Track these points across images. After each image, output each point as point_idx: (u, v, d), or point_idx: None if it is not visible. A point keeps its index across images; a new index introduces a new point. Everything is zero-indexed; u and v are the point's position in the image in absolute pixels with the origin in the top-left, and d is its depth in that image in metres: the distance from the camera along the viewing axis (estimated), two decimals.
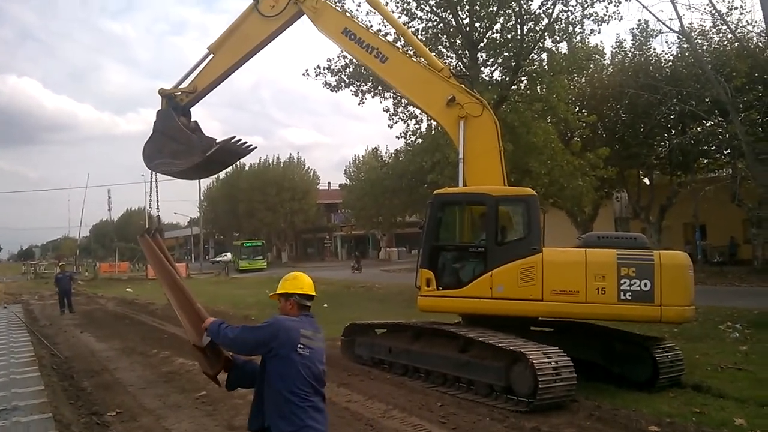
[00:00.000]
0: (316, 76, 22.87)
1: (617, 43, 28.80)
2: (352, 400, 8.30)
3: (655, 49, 27.47)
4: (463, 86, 10.76)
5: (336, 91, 23.12)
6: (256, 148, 10.81)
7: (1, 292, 33.26)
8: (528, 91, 22.16)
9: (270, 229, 67.24)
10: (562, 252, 9.20)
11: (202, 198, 68.54)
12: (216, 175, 67.70)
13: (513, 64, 20.98)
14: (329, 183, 77.39)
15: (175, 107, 10.54)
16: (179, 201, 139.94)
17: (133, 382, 10.05)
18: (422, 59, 10.83)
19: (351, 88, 22.83)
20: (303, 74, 23.82)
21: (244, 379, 4.13)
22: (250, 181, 64.44)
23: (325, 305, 20.90)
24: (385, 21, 13.62)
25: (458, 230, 10.39)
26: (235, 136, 10.25)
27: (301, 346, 3.63)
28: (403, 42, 14.92)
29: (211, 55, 10.82)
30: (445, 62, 22.52)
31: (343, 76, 22.48)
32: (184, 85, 10.80)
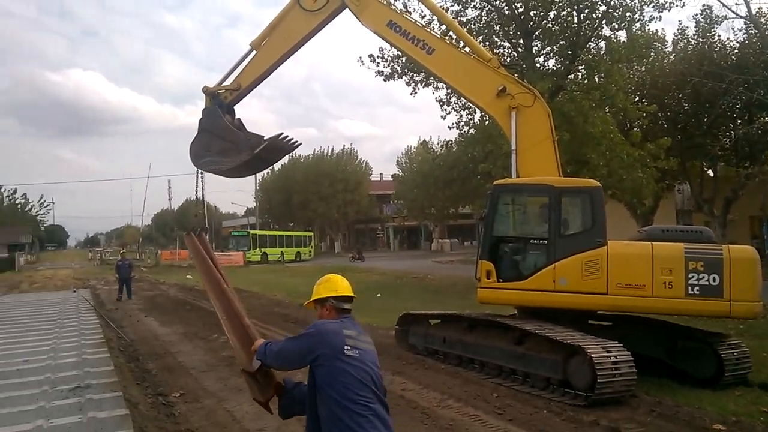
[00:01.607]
0: (371, 62, 22.87)
1: (679, 30, 27.67)
2: (407, 389, 8.38)
3: (719, 35, 26.24)
4: (513, 76, 10.59)
5: (388, 81, 23.10)
6: (301, 144, 10.87)
7: (70, 277, 34.84)
8: (585, 81, 21.60)
9: (323, 220, 68.12)
10: (628, 245, 9.00)
11: (258, 188, 69.96)
12: (271, 167, 69.13)
13: (569, 52, 20.50)
14: (381, 174, 77.77)
15: (220, 105, 10.65)
16: (236, 191, 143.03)
17: (195, 365, 10.40)
18: (470, 50, 10.69)
19: (404, 78, 22.78)
20: (357, 61, 23.81)
21: (295, 405, 3.86)
22: (304, 173, 65.45)
23: (378, 295, 21.09)
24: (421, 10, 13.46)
25: (519, 221, 10.29)
26: (282, 133, 10.35)
27: (348, 348, 3.35)
28: (451, 34, 14.76)
29: (254, 52, 10.89)
30: (498, 51, 22.32)
31: (396, 66, 22.44)
32: (228, 82, 10.92)
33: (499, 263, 9.34)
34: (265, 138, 10.20)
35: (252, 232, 56.22)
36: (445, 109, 23.09)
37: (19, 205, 78.40)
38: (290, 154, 67.13)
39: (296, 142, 10.69)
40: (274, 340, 3.87)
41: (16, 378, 7.25)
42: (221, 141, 10.32)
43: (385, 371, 9.24)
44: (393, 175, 58.83)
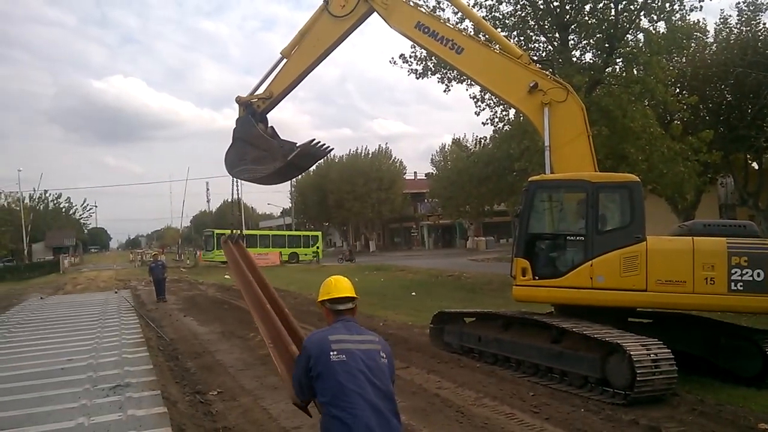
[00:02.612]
0: (404, 62, 22.86)
1: (721, 19, 26.84)
2: (442, 387, 8.34)
3: (764, 23, 25.39)
4: (544, 71, 10.43)
5: (421, 78, 23.04)
6: (333, 149, 10.91)
7: (112, 278, 35.73)
8: (623, 74, 21.14)
9: (358, 219, 68.37)
10: (668, 240, 8.78)
11: (293, 189, 70.63)
12: None
13: (606, 45, 20.11)
14: (415, 173, 77.69)
15: (253, 114, 10.79)
16: (273, 192, 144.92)
17: (232, 363, 10.55)
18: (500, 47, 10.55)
19: (437, 75, 22.69)
20: (390, 61, 23.84)
21: None
22: (339, 172, 65.82)
23: (413, 293, 21.07)
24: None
25: (555, 218, 10.14)
26: (314, 139, 10.43)
27: (334, 353, 3.34)
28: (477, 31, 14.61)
29: (285, 60, 10.97)
30: (533, 46, 22.04)
31: (429, 63, 22.36)
32: (260, 91, 11.03)
33: (534, 260, 9.20)
34: (297, 145, 10.31)
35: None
36: (479, 106, 22.94)
37: (63, 209, 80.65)
38: (328, 154, 67.95)
39: (328, 147, 10.77)
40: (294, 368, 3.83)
41: (60, 377, 7.46)
42: (255, 149, 10.47)
43: (419, 369, 9.30)
44: (427, 174, 58.58)
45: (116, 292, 22.34)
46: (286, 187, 71.01)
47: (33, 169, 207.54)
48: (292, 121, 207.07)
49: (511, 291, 9.51)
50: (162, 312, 18.67)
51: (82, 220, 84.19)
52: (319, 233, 62.06)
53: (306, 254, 55.98)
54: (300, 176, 70.19)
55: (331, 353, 3.34)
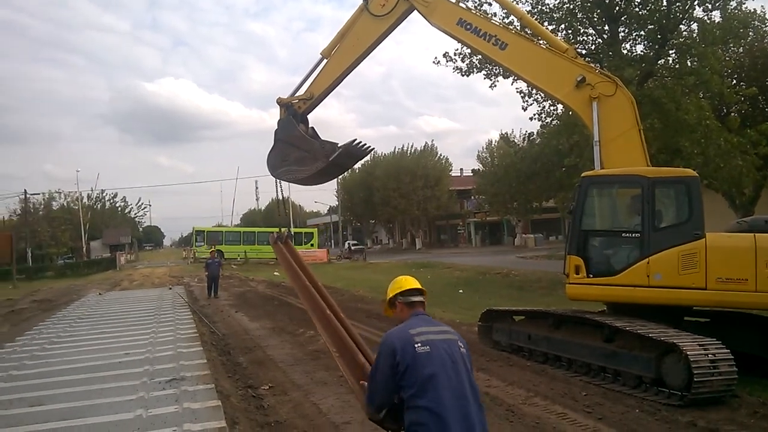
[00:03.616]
0: (448, 61, 22.75)
1: None
2: (491, 386, 8.27)
3: None
4: (592, 65, 10.19)
5: (467, 76, 22.87)
6: (374, 149, 10.93)
7: (166, 275, 36.73)
8: (676, 65, 20.49)
9: (404, 216, 68.35)
10: (729, 237, 8.48)
11: (339, 187, 71.11)
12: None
13: (658, 37, 19.52)
14: (461, 169, 77.24)
15: (294, 115, 10.85)
16: (320, 191, 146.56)
17: (282, 359, 10.71)
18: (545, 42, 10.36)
19: (483, 71, 22.47)
20: (433, 62, 23.78)
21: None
22: (385, 170, 65.90)
23: (461, 291, 20.96)
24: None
25: (609, 214, 9.91)
26: (356, 139, 10.45)
27: (418, 344, 3.32)
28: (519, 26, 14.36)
29: (325, 60, 10.98)
30: (582, 39, 21.56)
31: (474, 60, 22.16)
32: (301, 92, 11.09)
33: (588, 258, 9.03)
34: (339, 145, 10.36)
35: (197, 227, 56.96)
36: (527, 101, 22.68)
37: (119, 208, 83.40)
38: (371, 153, 68.01)
39: (369, 147, 10.80)
40: (369, 379, 3.71)
41: (119, 370, 7.69)
42: (297, 150, 10.56)
43: None
44: (473, 170, 58.09)
45: (170, 289, 22.86)
46: (332, 185, 71.55)
47: (90, 169, 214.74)
48: (338, 119, 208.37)
49: (565, 289, 9.34)
50: (214, 308, 19.11)
51: (137, 219, 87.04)
52: (314, 230, 61.92)
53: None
54: (346, 174, 70.76)
55: (416, 345, 3.32)
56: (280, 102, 11.05)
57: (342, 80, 11.19)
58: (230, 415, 6.34)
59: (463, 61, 22.18)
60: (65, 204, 70.29)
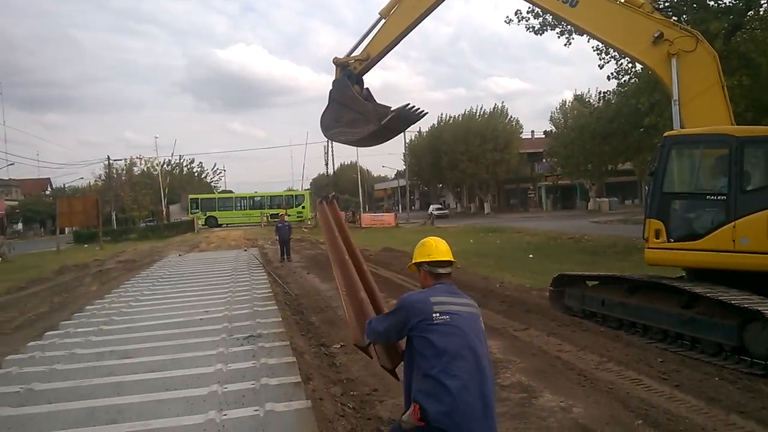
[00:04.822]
0: (520, 20, 22.02)
1: None
2: (563, 350, 8.18)
3: None
4: (671, 20, 9.58)
5: (540, 34, 22.09)
6: (427, 113, 10.69)
7: (241, 237, 37.96)
8: None
9: (472, 180, 67.61)
10: None
11: (406, 151, 70.93)
12: (419, 128, 69.46)
13: None
14: (533, 131, 75.31)
15: (350, 75, 10.71)
16: (387, 155, 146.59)
17: None
18: None
19: (556, 29, 21.62)
20: (505, 21, 23.00)
21: None
22: (453, 133, 65.12)
23: (531, 256, 20.65)
24: None
25: (693, 176, 9.46)
26: (409, 104, 10.23)
27: (436, 314, 3.28)
28: None
29: (383, 20, 10.76)
30: None
31: (547, 17, 21.33)
32: (357, 52, 10.93)
33: (669, 222, 8.67)
34: (392, 109, 10.24)
35: (192, 196, 59.24)
36: (603, 58, 21.63)
37: (196, 173, 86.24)
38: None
39: (422, 111, 10.60)
40: (378, 317, 3.92)
41: (199, 326, 8.08)
42: (350, 112, 10.48)
43: (539, 332, 9.19)
44: (545, 132, 56.55)
45: (245, 250, 23.67)
46: (399, 149, 71.51)
47: (168, 136, 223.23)
48: (407, 83, 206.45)
49: (642, 254, 9.04)
50: (287, 269, 19.67)
51: (212, 183, 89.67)
52: (305, 192, 61.83)
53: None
54: (413, 136, 70.60)
55: (434, 314, 3.30)
56: (337, 62, 10.99)
57: (399, 41, 10.98)
58: (304, 371, 6.57)
59: (536, 18, 21.42)
60: (145, 169, 73.39)
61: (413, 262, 3.72)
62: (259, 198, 60.41)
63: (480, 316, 3.51)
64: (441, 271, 3.60)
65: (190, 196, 60.19)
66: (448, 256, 3.65)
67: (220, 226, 53.80)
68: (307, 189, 65.13)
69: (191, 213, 56.69)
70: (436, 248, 3.67)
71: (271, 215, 50.11)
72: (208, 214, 56.31)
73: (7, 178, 79.27)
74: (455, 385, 3.12)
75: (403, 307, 3.46)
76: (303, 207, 57.90)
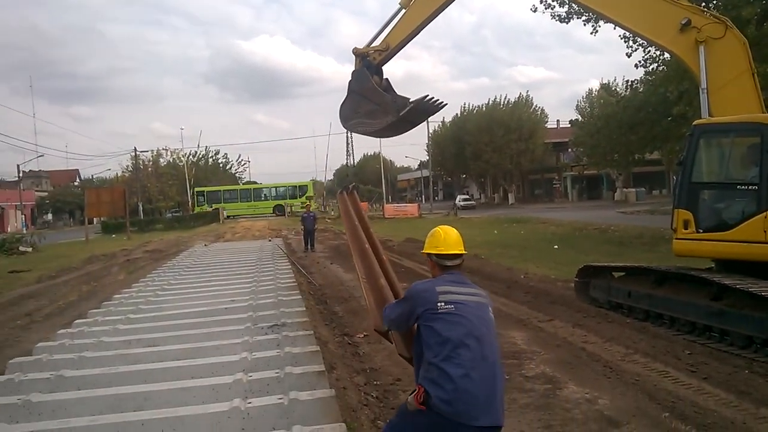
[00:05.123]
0: (546, 7, 21.72)
1: None
2: (588, 341, 8.10)
3: None
4: (698, 6, 9.34)
5: (567, 22, 21.74)
6: (447, 104, 10.63)
7: (266, 228, 38.28)
8: None
9: (496, 170, 67.12)
10: None
11: (429, 141, 70.63)
12: (442, 118, 69.12)
13: None
14: (558, 121, 74.33)
15: (369, 66, 10.65)
16: (410, 145, 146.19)
17: None
18: None
19: (583, 17, 21.26)
20: (530, 9, 22.70)
21: None
22: (477, 123, 64.65)
23: (556, 247, 20.48)
24: None
25: (723, 165, 9.25)
26: (428, 95, 10.15)
27: (441, 303, 3.31)
28: None
29: (403, 10, 10.68)
30: None
31: (573, 5, 20.99)
32: (377, 43, 10.87)
33: (698, 212, 8.50)
34: (410, 100, 10.17)
35: (198, 189, 60.88)
36: (631, 46, 21.23)
37: (221, 165, 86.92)
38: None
39: (441, 103, 10.53)
40: (391, 304, 3.94)
41: (225, 315, 8.17)
42: (369, 103, 10.43)
43: (564, 323, 9.11)
44: (571, 121, 55.78)
45: (270, 241, 23.86)
46: (423, 139, 71.29)
47: (193, 127, 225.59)
48: (431, 72, 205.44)
49: (670, 245, 8.89)
50: (311, 259, 19.77)
51: (237, 174, 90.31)
52: (309, 182, 62.14)
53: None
54: (437, 126, 70.27)
55: (438, 303, 3.32)
56: (356, 52, 10.94)
57: (419, 31, 10.88)
58: (328, 360, 6.59)
59: (561, 6, 21.09)
60: (171, 160, 74.18)
61: (424, 251, 3.77)
62: (263, 189, 60.92)
63: (488, 305, 3.50)
64: (448, 263, 3.63)
65: (196, 189, 61.49)
66: (456, 248, 3.65)
67: (227, 218, 54.56)
68: (311, 180, 65.83)
69: (197, 205, 57.94)
70: (445, 240, 3.68)
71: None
72: (214, 206, 57.03)
73: (37, 169, 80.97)
74: (457, 373, 3.13)
75: (410, 296, 3.53)
76: (308, 197, 58.39)
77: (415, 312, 3.41)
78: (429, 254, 3.70)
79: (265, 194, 60.00)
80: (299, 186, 61.15)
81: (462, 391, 3.10)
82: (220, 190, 61.96)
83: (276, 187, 61.79)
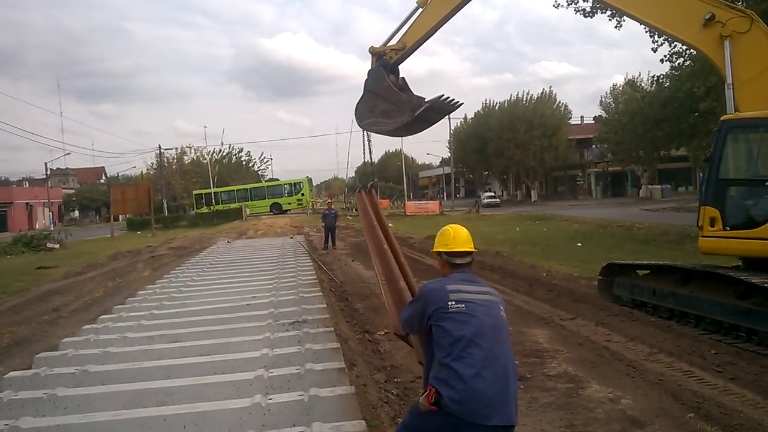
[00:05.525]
0: (568, 4, 21.50)
1: None
2: (611, 340, 8.00)
3: None
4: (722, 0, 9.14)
5: (591, 17, 21.49)
6: (462, 104, 10.57)
7: (288, 225, 38.48)
8: None
9: (518, 167, 66.63)
10: None
11: (451, 138, 70.34)
12: (464, 115, 68.76)
13: None
14: (582, 117, 73.66)
15: (385, 65, 10.65)
16: (432, 142, 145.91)
17: None
18: None
19: (608, 11, 20.99)
20: (553, 5, 22.48)
21: None
22: (499, 119, 64.23)
23: (579, 244, 20.27)
24: None
25: (751, 162, 9.07)
26: (443, 95, 10.10)
27: (452, 302, 3.29)
28: None
29: (420, 9, 10.63)
30: None
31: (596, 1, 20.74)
32: (393, 42, 10.85)
33: (725, 209, 8.33)
34: (426, 100, 10.14)
35: (196, 191, 61.79)
36: (656, 41, 20.94)
37: (244, 162, 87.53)
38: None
39: (457, 102, 10.48)
40: (406, 306, 3.88)
41: (246, 311, 8.24)
42: (384, 102, 10.43)
43: (587, 321, 9.02)
44: (595, 117, 55.05)
45: (292, 238, 23.98)
46: (444, 136, 71.05)
47: (216, 125, 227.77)
48: (453, 69, 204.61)
49: (696, 243, 8.74)
50: (332, 256, 19.82)
51: (260, 172, 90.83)
52: (304, 179, 61.47)
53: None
54: (459, 123, 69.93)
55: (449, 302, 3.30)
56: (372, 51, 10.94)
57: (436, 31, 10.83)
58: (348, 357, 6.61)
59: (585, 0, 20.87)
60: (195, 158, 74.93)
61: (433, 249, 3.74)
62: (258, 188, 61.36)
63: (500, 304, 3.47)
64: (458, 261, 3.61)
65: (195, 192, 62.46)
66: (466, 246, 3.64)
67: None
68: (307, 176, 66.10)
69: (197, 209, 58.66)
70: (454, 238, 3.66)
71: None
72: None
73: (64, 167, 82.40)
74: (468, 373, 3.11)
75: (422, 294, 3.53)
76: (302, 195, 58.57)
77: (427, 311, 3.38)
78: (439, 252, 3.69)
79: (261, 193, 60.45)
80: (294, 183, 61.29)
81: (473, 391, 3.08)
82: (218, 192, 62.49)
83: (271, 186, 62.21)
